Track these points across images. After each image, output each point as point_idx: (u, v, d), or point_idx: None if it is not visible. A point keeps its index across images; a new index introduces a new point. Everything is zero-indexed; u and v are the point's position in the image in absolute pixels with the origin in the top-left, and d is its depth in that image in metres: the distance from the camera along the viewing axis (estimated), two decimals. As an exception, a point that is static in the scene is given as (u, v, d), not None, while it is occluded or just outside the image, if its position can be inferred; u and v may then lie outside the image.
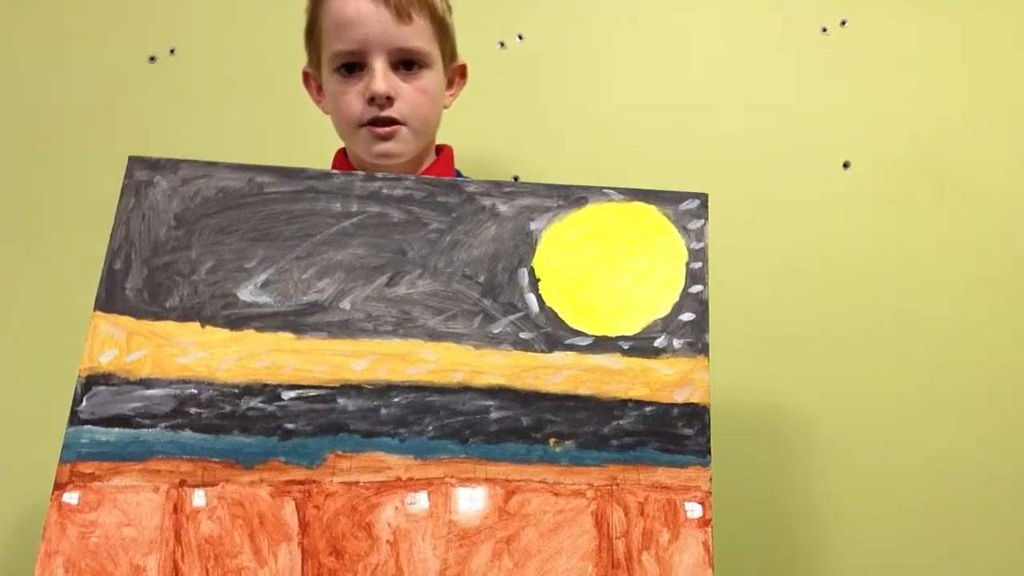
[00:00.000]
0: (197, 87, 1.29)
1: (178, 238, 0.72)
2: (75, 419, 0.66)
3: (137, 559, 0.63)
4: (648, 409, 0.69)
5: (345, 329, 0.70)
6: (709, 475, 0.67)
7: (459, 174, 0.99)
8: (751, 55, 1.29)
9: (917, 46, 1.29)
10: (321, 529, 0.65)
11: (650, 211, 0.74)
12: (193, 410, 0.67)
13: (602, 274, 0.72)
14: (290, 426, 0.67)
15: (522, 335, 0.70)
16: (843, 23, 1.30)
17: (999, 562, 1.12)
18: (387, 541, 0.64)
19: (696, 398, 0.69)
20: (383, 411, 0.68)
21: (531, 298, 0.71)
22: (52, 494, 0.64)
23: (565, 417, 0.68)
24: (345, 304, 0.71)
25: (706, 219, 0.74)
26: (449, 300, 0.71)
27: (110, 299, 0.70)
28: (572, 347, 0.70)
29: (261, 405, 0.68)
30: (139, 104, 1.29)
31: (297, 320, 0.70)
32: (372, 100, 0.88)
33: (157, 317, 0.70)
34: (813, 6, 1.30)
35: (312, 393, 0.68)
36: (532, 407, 0.68)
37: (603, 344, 0.70)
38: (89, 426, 0.66)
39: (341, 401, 0.68)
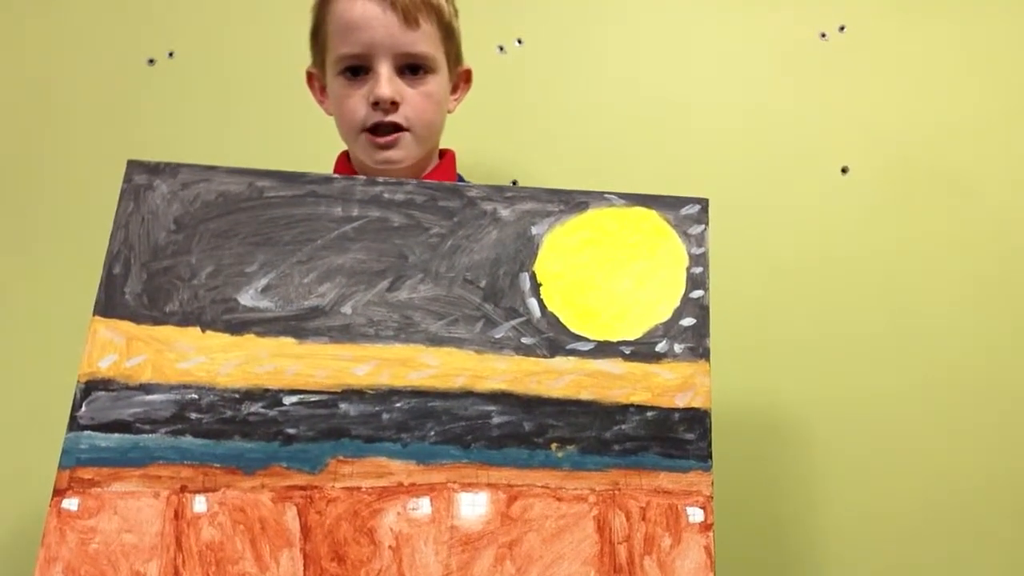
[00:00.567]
0: (196, 90, 1.28)
1: (178, 242, 0.72)
2: (74, 425, 0.66)
3: (138, 565, 0.63)
4: (650, 414, 0.69)
5: (346, 334, 0.70)
6: (711, 480, 0.67)
7: (461, 178, 0.99)
8: (750, 60, 1.30)
9: (916, 52, 1.29)
10: (323, 535, 0.64)
11: (651, 216, 0.74)
12: (194, 415, 0.67)
13: (603, 279, 0.72)
14: (291, 431, 0.67)
15: (524, 340, 0.70)
16: (842, 29, 1.30)
17: (997, 562, 1.13)
18: (389, 547, 0.64)
19: (697, 403, 0.69)
20: (385, 416, 0.68)
21: (532, 303, 0.71)
22: (51, 500, 0.64)
23: (567, 422, 0.68)
24: (346, 309, 0.71)
25: (707, 224, 0.74)
26: (450, 305, 0.71)
27: (109, 304, 0.69)
28: (574, 352, 0.70)
29: (262, 410, 0.67)
30: (137, 107, 1.28)
31: (298, 325, 0.70)
32: (376, 104, 0.88)
33: (157, 322, 0.69)
34: (812, 12, 1.30)
35: (313, 398, 0.68)
36: (534, 412, 0.68)
37: (605, 349, 0.70)
38: (88, 432, 0.66)
39: (343, 406, 0.68)
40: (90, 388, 0.67)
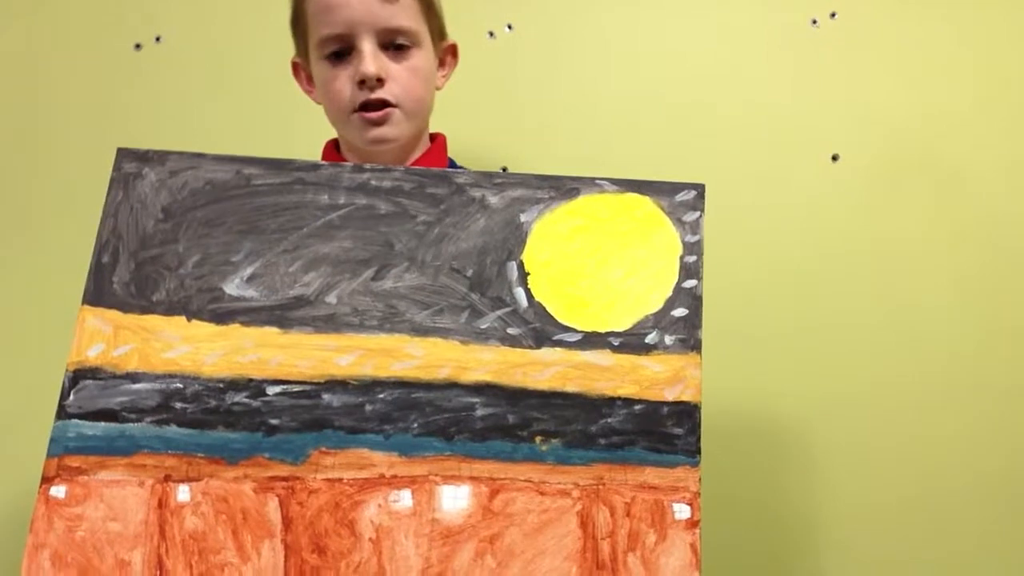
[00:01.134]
0: (184, 75, 1.28)
1: (165, 231, 0.72)
2: (62, 413, 0.66)
3: (122, 553, 0.63)
4: (637, 407, 0.67)
5: (331, 323, 0.69)
6: (698, 475, 0.65)
7: (453, 162, 0.98)
8: (741, 47, 1.27)
9: (907, 39, 1.26)
10: (304, 526, 0.64)
11: (644, 203, 0.72)
12: (178, 405, 0.67)
13: (593, 268, 0.71)
14: (274, 422, 0.67)
15: (510, 330, 0.69)
16: (833, 15, 1.28)
17: (995, 562, 1.10)
18: (370, 539, 0.64)
19: (687, 396, 0.67)
20: (368, 407, 0.67)
21: (520, 292, 0.70)
22: (40, 487, 0.65)
23: (552, 415, 0.67)
24: (331, 298, 0.70)
25: (702, 211, 0.72)
26: (436, 294, 0.70)
27: (98, 293, 0.70)
28: (561, 343, 0.69)
29: (246, 400, 0.67)
30: (124, 93, 1.28)
31: (283, 314, 0.69)
32: (362, 83, 0.87)
33: (144, 311, 0.69)
34: None
35: (296, 388, 0.68)
36: (519, 404, 0.67)
37: (592, 340, 0.69)
38: (76, 420, 0.66)
39: (326, 397, 0.67)
40: (78, 377, 0.67)
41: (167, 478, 0.65)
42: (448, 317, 0.69)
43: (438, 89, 0.96)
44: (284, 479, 0.65)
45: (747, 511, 1.13)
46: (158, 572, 0.63)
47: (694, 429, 0.66)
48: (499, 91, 1.26)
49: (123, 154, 0.74)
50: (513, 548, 0.64)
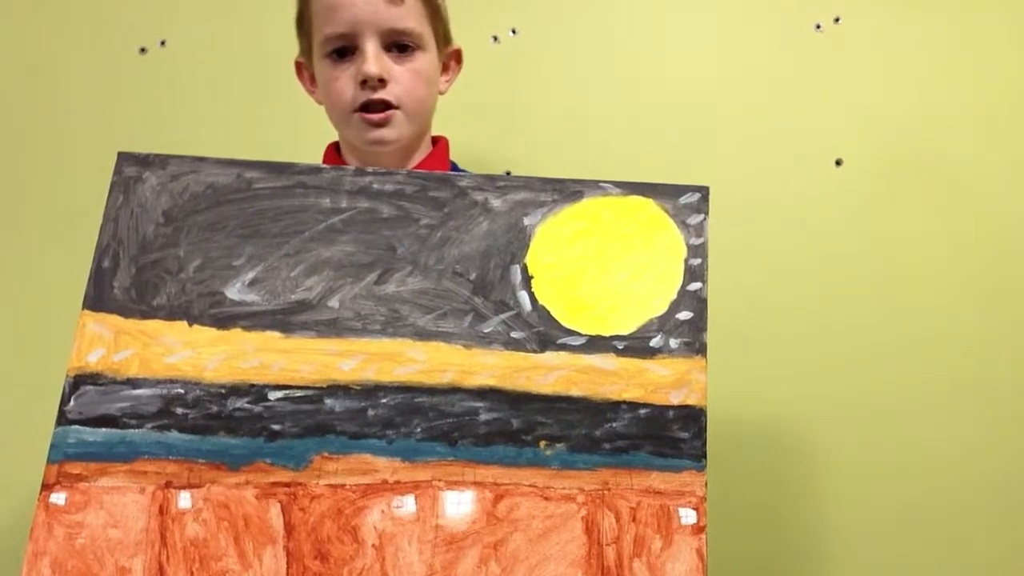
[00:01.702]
0: (188, 79, 1.28)
1: (166, 235, 0.71)
2: (63, 419, 0.66)
3: (123, 561, 0.63)
4: (642, 411, 0.66)
5: (333, 328, 0.69)
6: (704, 480, 0.65)
7: (455, 165, 0.97)
8: (745, 51, 1.27)
9: (911, 44, 1.26)
10: (306, 532, 0.64)
11: (648, 205, 0.72)
12: (179, 410, 0.66)
13: (597, 271, 0.70)
14: (276, 427, 0.66)
15: (513, 334, 0.68)
16: (837, 20, 1.28)
17: (995, 563, 1.09)
18: (373, 545, 0.63)
19: (692, 400, 0.67)
20: (370, 412, 0.67)
21: (523, 296, 0.69)
22: (40, 494, 0.64)
23: (556, 419, 0.66)
24: (333, 302, 0.69)
25: (707, 213, 0.72)
26: (439, 298, 0.70)
27: (98, 298, 0.69)
28: (565, 347, 0.68)
29: (248, 405, 0.67)
30: (129, 97, 1.28)
31: (285, 319, 0.69)
32: (364, 83, 0.87)
33: (144, 316, 0.69)
34: (807, 3, 1.28)
35: (299, 394, 0.67)
36: (522, 409, 0.67)
37: (597, 344, 0.68)
38: (77, 426, 0.66)
39: (328, 402, 0.67)
40: (79, 382, 0.67)
41: (168, 484, 0.65)
42: (451, 321, 0.69)
43: (441, 94, 0.95)
44: (286, 485, 0.65)
45: (753, 516, 1.12)
46: (159, 579, 0.62)
47: (700, 433, 0.66)
48: (503, 95, 1.26)
49: (124, 158, 0.74)
50: (517, 554, 0.63)
